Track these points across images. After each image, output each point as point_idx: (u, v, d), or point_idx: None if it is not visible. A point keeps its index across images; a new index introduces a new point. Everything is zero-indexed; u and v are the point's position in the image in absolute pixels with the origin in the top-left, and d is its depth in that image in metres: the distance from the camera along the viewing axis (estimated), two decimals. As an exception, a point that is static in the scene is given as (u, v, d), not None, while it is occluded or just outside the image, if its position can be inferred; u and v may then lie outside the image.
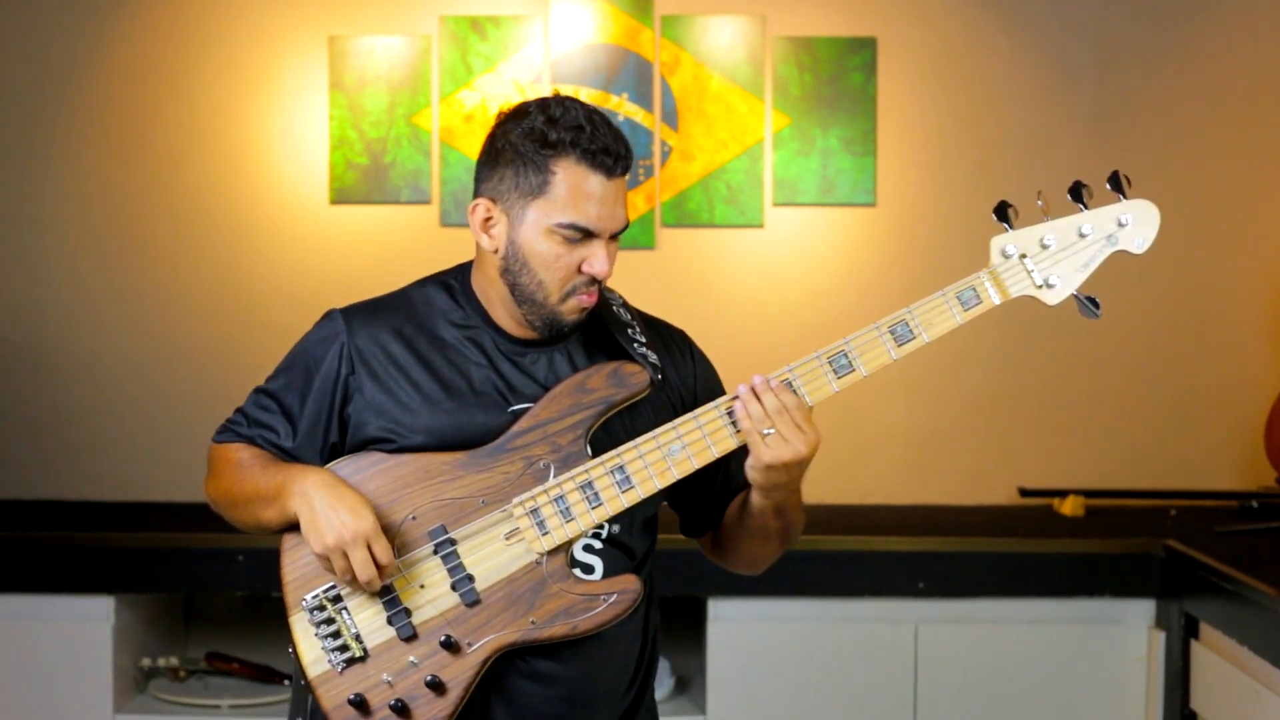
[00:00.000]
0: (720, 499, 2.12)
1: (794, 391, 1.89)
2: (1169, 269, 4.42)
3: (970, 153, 4.40)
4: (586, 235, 1.91)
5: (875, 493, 4.40)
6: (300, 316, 4.42)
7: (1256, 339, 4.43)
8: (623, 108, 4.36)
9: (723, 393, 2.09)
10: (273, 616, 4.25)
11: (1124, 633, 3.74)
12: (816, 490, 4.39)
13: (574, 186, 1.90)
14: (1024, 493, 4.36)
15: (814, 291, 4.38)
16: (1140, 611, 3.74)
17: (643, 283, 4.38)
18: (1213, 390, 4.44)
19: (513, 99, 4.27)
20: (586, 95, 4.34)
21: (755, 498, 1.95)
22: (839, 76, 4.38)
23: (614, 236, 1.95)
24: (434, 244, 4.32)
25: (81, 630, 3.78)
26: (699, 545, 2.22)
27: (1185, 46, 4.41)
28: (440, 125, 4.36)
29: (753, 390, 1.88)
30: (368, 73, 4.34)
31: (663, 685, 4.00)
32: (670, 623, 4.15)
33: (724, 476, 2.10)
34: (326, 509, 1.87)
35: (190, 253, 4.41)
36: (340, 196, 4.38)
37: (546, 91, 4.33)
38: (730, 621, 3.76)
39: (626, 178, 1.95)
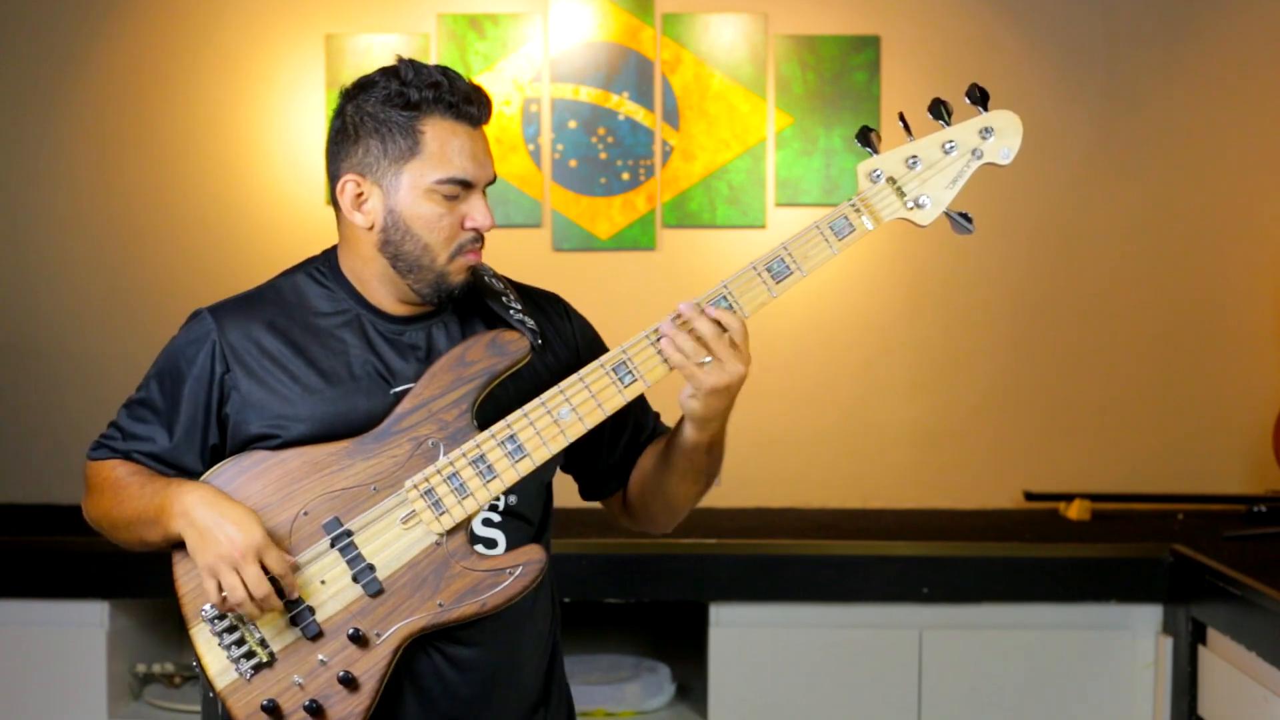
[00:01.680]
0: (626, 452, 2.10)
1: (717, 317, 1.87)
2: (1176, 271, 4.43)
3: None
4: (464, 188, 1.91)
5: (879, 497, 4.40)
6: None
7: (1264, 341, 4.43)
8: (623, 107, 4.36)
9: (605, 349, 2.08)
10: (269, 622, 4.27)
11: (1131, 638, 3.74)
12: (819, 494, 4.39)
13: (444, 141, 1.89)
14: (1029, 497, 4.36)
15: (815, 292, 4.38)
16: (1147, 617, 3.74)
17: (643, 284, 4.40)
18: (1220, 393, 4.44)
19: (511, 98, 4.32)
20: (586, 94, 4.35)
21: (691, 433, 1.92)
22: (842, 75, 4.38)
23: (485, 188, 1.95)
24: (432, 245, 4.32)
25: (75, 636, 3.78)
26: (604, 507, 2.17)
27: (1194, 45, 4.41)
28: (438, 125, 4.36)
29: (681, 321, 1.86)
30: (365, 71, 4.33)
31: (663, 692, 4.00)
32: (671, 628, 4.17)
33: (631, 428, 2.09)
34: (211, 526, 1.84)
35: (185, 253, 4.42)
36: (337, 197, 4.38)
37: (547, 91, 4.35)
38: (732, 627, 3.75)
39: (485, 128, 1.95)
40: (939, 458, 4.44)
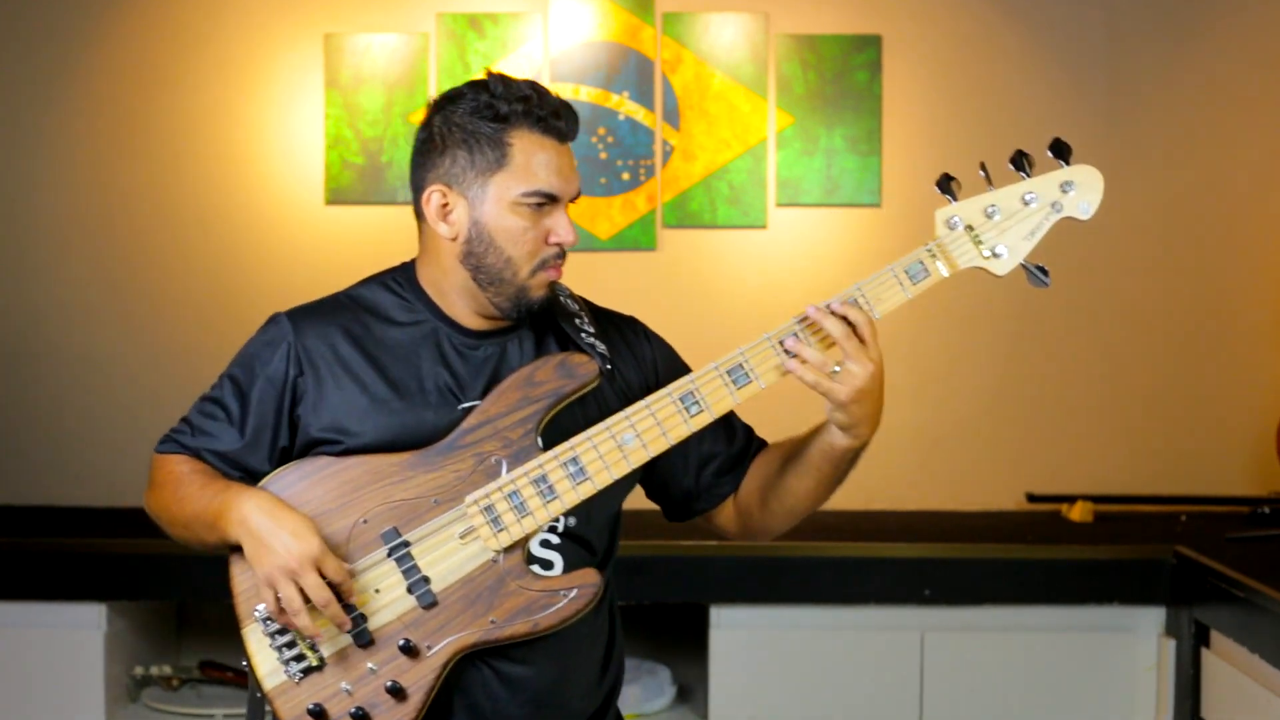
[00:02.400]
0: (710, 474, 2.10)
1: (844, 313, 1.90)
2: (1180, 271, 4.43)
3: (977, 153, 4.35)
4: (550, 202, 1.92)
5: (880, 498, 4.40)
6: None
7: (1268, 342, 4.43)
8: (623, 106, 4.37)
9: (685, 368, 2.10)
10: (267, 624, 4.27)
11: (1133, 641, 3.75)
12: (820, 495, 4.39)
13: (531, 154, 1.91)
14: (1032, 498, 4.36)
15: (818, 294, 4.32)
16: (1150, 619, 3.74)
17: (644, 285, 4.40)
18: (1223, 394, 4.45)
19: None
20: (586, 94, 4.35)
21: (841, 441, 1.93)
22: (843, 75, 4.38)
23: (569, 204, 1.97)
24: (431, 245, 4.32)
25: (73, 638, 3.78)
26: (708, 521, 2.16)
27: (1197, 45, 4.41)
28: (438, 124, 4.37)
29: (808, 323, 1.89)
30: (364, 71, 4.35)
31: (664, 694, 4.00)
32: (672, 630, 4.17)
33: (714, 451, 2.09)
34: (268, 535, 1.85)
35: (183, 254, 4.42)
36: (336, 197, 4.39)
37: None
38: (733, 629, 3.76)
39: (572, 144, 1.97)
40: (941, 459, 4.44)
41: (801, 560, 3.74)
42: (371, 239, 4.37)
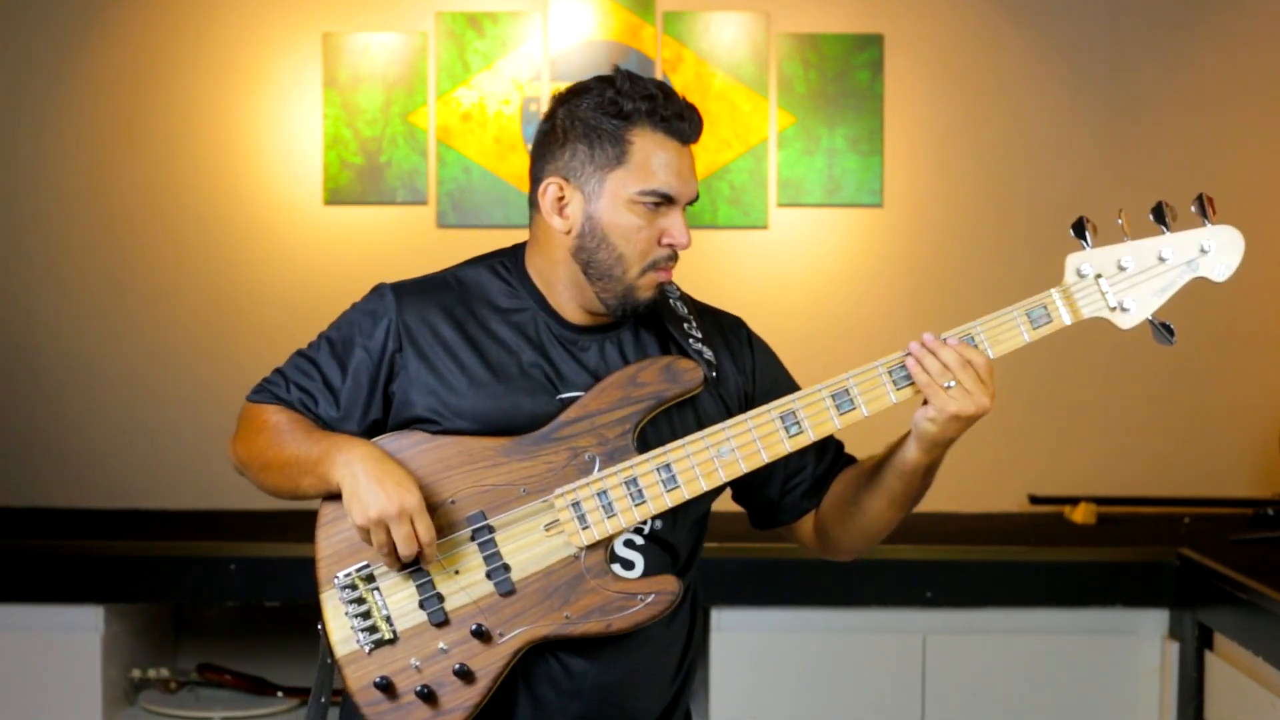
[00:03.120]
0: (795, 489, 2.11)
1: (961, 350, 1.93)
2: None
3: (980, 152, 4.41)
4: (666, 202, 1.94)
5: (882, 500, 4.39)
6: (294, 320, 4.46)
7: (1273, 343, 4.43)
8: (624, 106, 4.36)
9: (785, 376, 2.12)
10: (265, 627, 4.27)
11: (1136, 643, 3.74)
12: (822, 497, 4.39)
13: (652, 153, 1.93)
14: (1034, 500, 4.36)
15: (819, 294, 4.39)
16: (1153, 622, 3.74)
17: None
18: (1227, 396, 4.45)
19: (511, 97, 4.33)
20: (586, 93, 4.35)
21: (916, 455, 1.95)
22: (845, 74, 4.38)
23: (686, 207, 1.98)
24: (430, 245, 4.32)
25: (70, 641, 3.78)
26: (791, 533, 2.17)
27: (1201, 42, 4.42)
28: (437, 124, 4.37)
29: (926, 349, 1.92)
30: (362, 70, 4.35)
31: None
32: (672, 633, 4.17)
33: (804, 465, 2.10)
34: (372, 481, 1.86)
35: (181, 255, 4.42)
36: (334, 197, 4.39)
37: (545, 89, 4.35)
38: (734, 631, 3.76)
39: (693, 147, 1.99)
40: (943, 460, 4.43)
41: (802, 562, 3.73)
42: (370, 239, 4.38)
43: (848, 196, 4.39)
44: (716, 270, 4.41)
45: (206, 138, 4.41)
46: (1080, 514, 4.23)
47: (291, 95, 4.40)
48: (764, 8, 4.38)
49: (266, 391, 2.06)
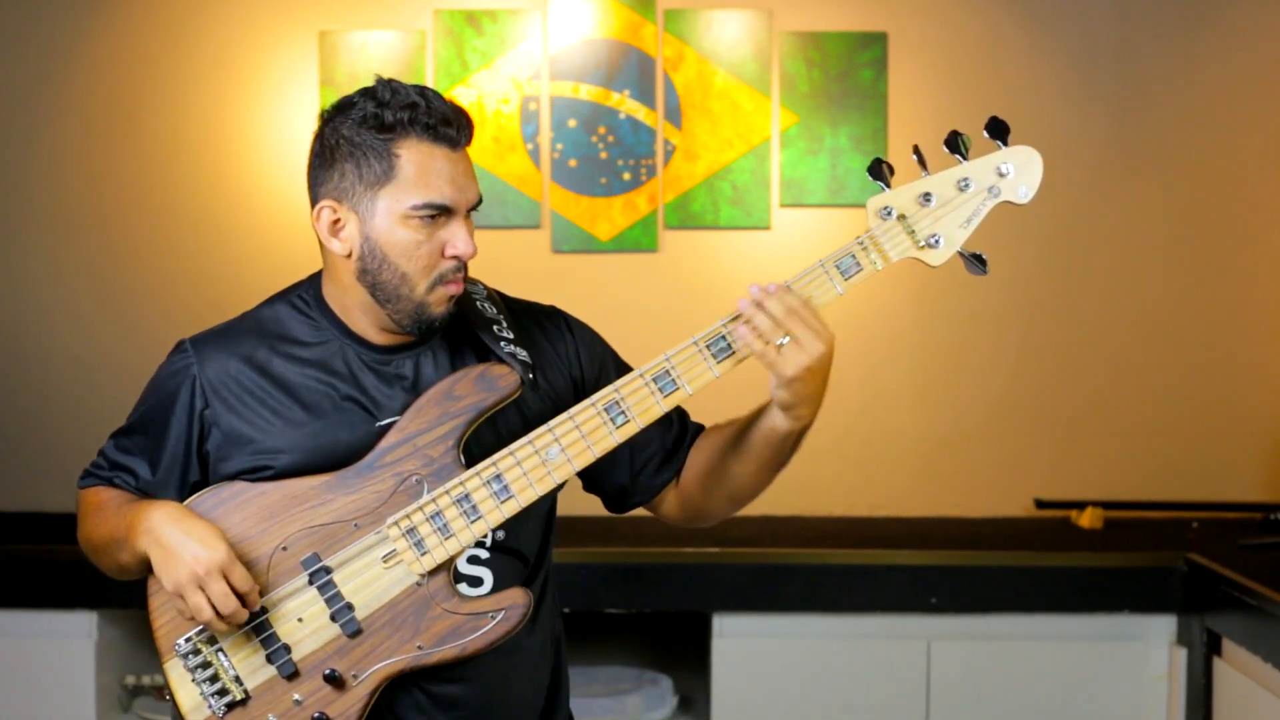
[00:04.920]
0: (645, 469, 2.06)
1: (784, 298, 1.84)
2: (1190, 275, 4.43)
3: (983, 152, 4.40)
4: (443, 213, 1.87)
5: (886, 505, 4.40)
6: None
7: (1281, 345, 4.43)
8: (624, 105, 4.37)
9: (612, 355, 2.08)
10: (261, 632, 4.27)
11: (1144, 650, 3.75)
12: (825, 502, 4.39)
13: (421, 165, 1.86)
14: (1040, 504, 4.36)
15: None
16: (1161, 628, 3.74)
17: (645, 287, 4.40)
18: (1235, 399, 4.44)
19: (510, 96, 4.33)
20: (586, 92, 4.36)
21: (782, 423, 1.89)
22: (848, 73, 4.38)
23: (468, 214, 1.92)
24: (428, 246, 4.32)
25: (63, 647, 3.79)
26: (651, 508, 2.12)
27: (1208, 43, 4.42)
28: (435, 123, 4.37)
29: (754, 303, 1.84)
30: (360, 69, 4.35)
31: (665, 705, 4.00)
32: (673, 639, 4.17)
33: (650, 445, 2.05)
34: (175, 545, 1.84)
35: (177, 256, 4.42)
36: (331, 197, 4.38)
37: (546, 89, 4.36)
38: (736, 638, 3.76)
39: (467, 150, 1.92)
40: (947, 465, 4.44)
41: (805, 568, 3.74)
42: (367, 240, 4.37)
43: (851, 197, 4.39)
44: (718, 272, 4.41)
45: (202, 137, 4.41)
46: (1087, 519, 4.23)
47: (288, 94, 4.40)
48: (766, 5, 4.38)
49: (90, 476, 2.07)
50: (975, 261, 1.91)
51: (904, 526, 4.25)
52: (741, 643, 3.76)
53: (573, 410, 1.87)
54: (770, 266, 4.40)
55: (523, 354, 1.95)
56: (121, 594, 3.80)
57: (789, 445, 1.93)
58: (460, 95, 4.35)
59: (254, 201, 4.42)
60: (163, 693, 4.03)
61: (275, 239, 4.40)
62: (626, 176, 4.38)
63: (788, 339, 1.82)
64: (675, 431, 2.07)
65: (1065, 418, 4.46)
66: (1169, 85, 4.42)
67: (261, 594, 1.87)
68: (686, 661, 4.09)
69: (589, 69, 4.37)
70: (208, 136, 4.41)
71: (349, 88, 4.32)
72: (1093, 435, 4.45)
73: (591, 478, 2.07)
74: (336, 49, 4.37)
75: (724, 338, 1.86)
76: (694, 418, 2.11)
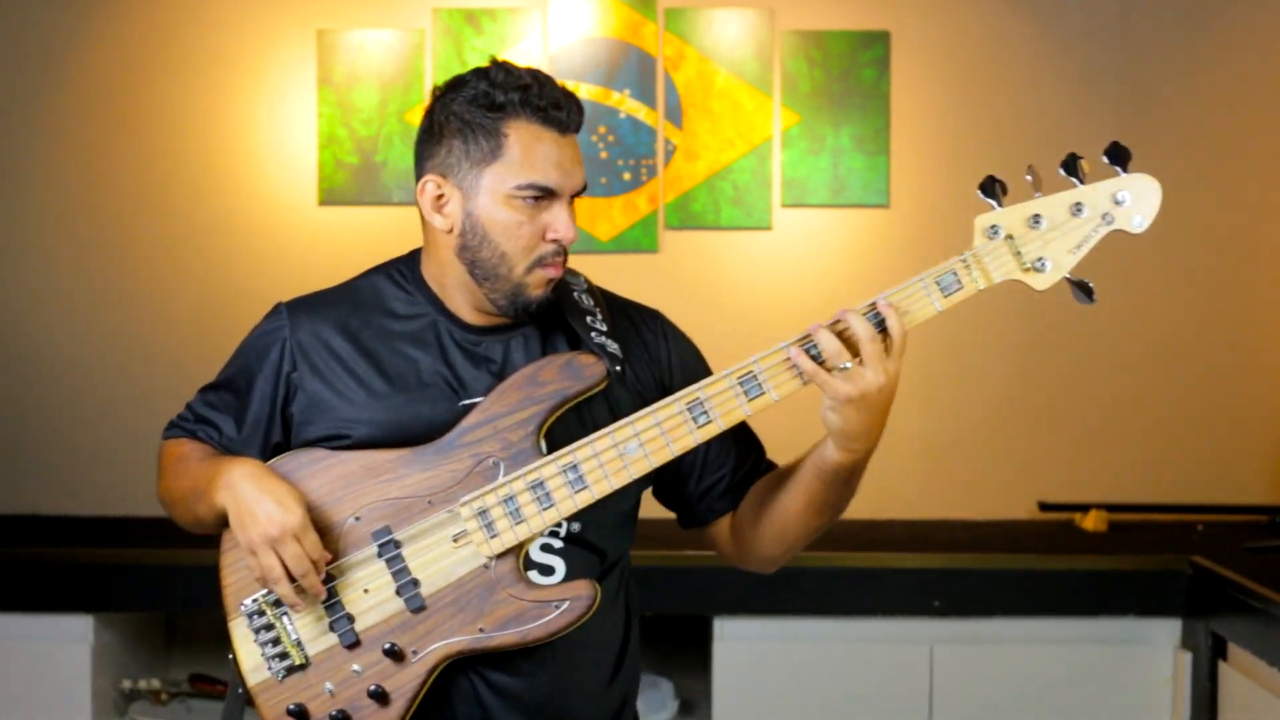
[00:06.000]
0: (722, 483, 2.06)
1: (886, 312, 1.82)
2: (1195, 276, 4.43)
3: (987, 152, 4.41)
4: (547, 195, 1.91)
5: (888, 507, 4.40)
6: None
7: (1287, 346, 4.43)
8: (624, 104, 4.37)
9: (706, 370, 2.07)
10: (258, 636, 4.27)
11: (1149, 653, 3.75)
12: (827, 504, 4.39)
13: (528, 146, 1.89)
14: (1044, 507, 4.36)
15: (824, 296, 4.39)
16: (1165, 631, 3.74)
17: (645, 287, 4.36)
18: (1240, 401, 4.45)
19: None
20: (586, 91, 4.36)
21: (831, 454, 1.86)
22: (850, 72, 4.39)
23: (573, 199, 1.95)
24: (427, 247, 4.32)
25: (59, 651, 3.79)
26: (708, 540, 2.13)
27: (1213, 41, 4.42)
28: (434, 123, 4.37)
29: (812, 330, 1.81)
30: (358, 68, 4.36)
31: (666, 709, 4.00)
32: (674, 642, 4.17)
33: (733, 457, 2.05)
34: (252, 502, 1.86)
35: (173, 256, 4.42)
36: (329, 197, 4.39)
37: (545, 88, 4.36)
38: (737, 641, 3.76)
39: (576, 136, 1.94)
40: (950, 467, 4.45)
41: (807, 571, 3.73)
42: (366, 240, 4.38)
43: (853, 197, 4.39)
44: (719, 272, 4.41)
45: (198, 137, 4.42)
46: (1091, 521, 4.23)
47: (285, 94, 4.40)
48: (768, 4, 4.38)
49: (175, 428, 2.09)
50: (1082, 290, 1.87)
51: (906, 529, 4.25)
52: (742, 646, 3.76)
53: (655, 406, 1.87)
54: (771, 267, 4.40)
55: (613, 347, 1.97)
56: (118, 597, 3.83)
57: (840, 481, 1.90)
58: (459, 95, 4.36)
59: (251, 201, 4.42)
60: (159, 696, 4.03)
61: (273, 239, 4.40)
62: (627, 176, 4.38)
63: (849, 364, 1.80)
64: (749, 465, 2.07)
65: (1069, 420, 4.46)
66: (1172, 84, 4.42)
67: (330, 561, 1.89)
68: (687, 665, 4.09)
69: (589, 68, 4.38)
70: (205, 136, 4.42)
71: (347, 87, 4.36)
72: (1097, 437, 4.46)
73: (665, 488, 2.08)
74: (334, 48, 4.37)
75: (816, 345, 1.83)
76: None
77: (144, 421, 4.41)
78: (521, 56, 4.36)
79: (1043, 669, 3.75)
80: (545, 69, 4.32)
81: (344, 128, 4.36)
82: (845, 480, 1.90)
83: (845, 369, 1.79)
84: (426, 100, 1.98)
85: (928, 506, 4.42)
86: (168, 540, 3.98)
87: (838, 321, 1.82)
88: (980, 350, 4.45)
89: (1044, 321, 4.43)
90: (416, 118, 4.42)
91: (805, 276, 4.40)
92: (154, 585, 3.80)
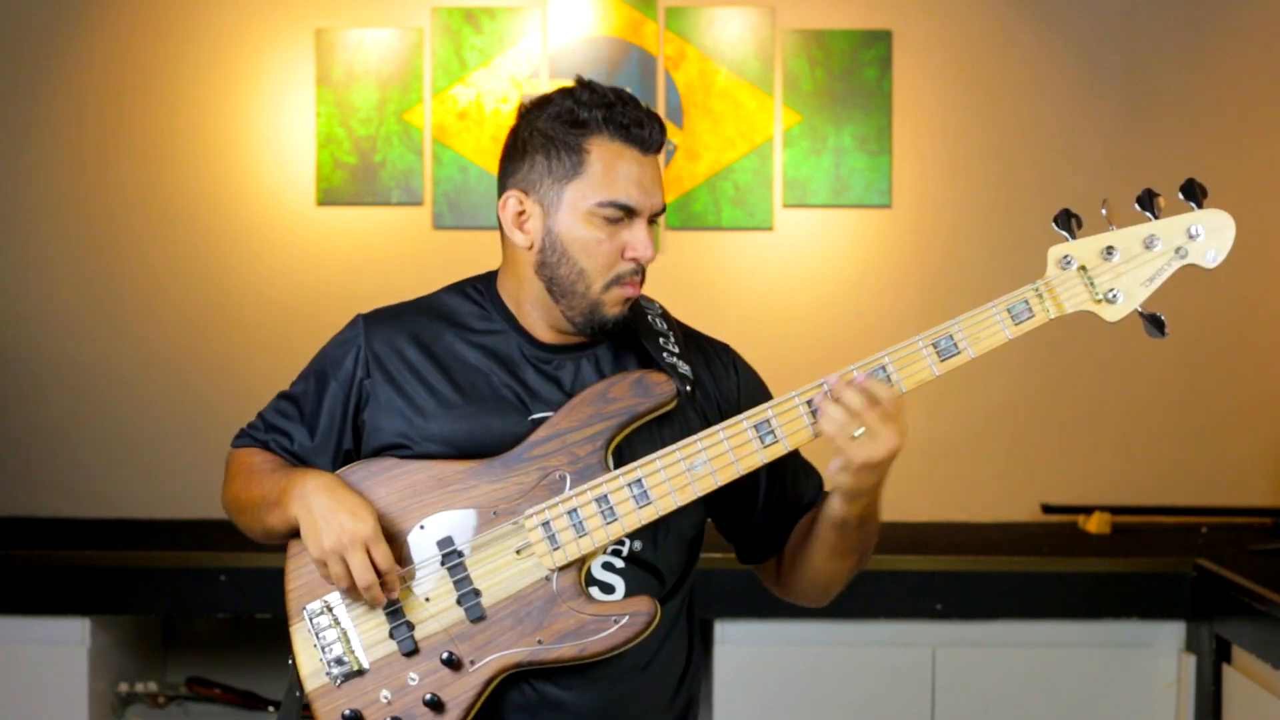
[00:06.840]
0: (783, 517, 2.10)
1: (866, 388, 1.88)
2: (1197, 277, 4.41)
3: (990, 151, 4.41)
4: (627, 214, 1.93)
5: (891, 509, 4.34)
6: (287, 323, 4.48)
7: (1292, 347, 4.44)
8: (625, 104, 4.37)
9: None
10: (257, 640, 4.27)
11: (1152, 656, 3.75)
12: (829, 506, 4.39)
13: (610, 163, 1.92)
14: (1047, 509, 4.36)
15: (826, 297, 4.39)
16: (1169, 634, 3.74)
17: (646, 288, 4.39)
18: (1245, 403, 4.45)
19: (509, 95, 4.34)
20: (587, 91, 4.36)
21: (839, 506, 1.93)
22: (852, 71, 4.39)
23: (652, 220, 1.97)
24: (426, 247, 4.32)
25: (56, 654, 3.79)
26: (761, 575, 2.19)
27: (1217, 39, 4.42)
28: (433, 123, 4.38)
29: (831, 393, 1.87)
30: (356, 67, 4.36)
31: (667, 712, 4.00)
32: (675, 646, 4.17)
33: (789, 491, 2.09)
34: (326, 512, 1.89)
35: (170, 257, 4.42)
36: (328, 197, 4.39)
37: (545, 87, 4.36)
38: (738, 644, 3.76)
39: (661, 157, 1.97)
40: (953, 469, 4.45)
41: (809, 573, 3.73)
42: (364, 241, 4.38)
43: (855, 197, 4.40)
44: (720, 273, 4.41)
45: (196, 137, 4.42)
46: (1094, 524, 4.23)
47: (283, 93, 4.40)
48: (769, 3, 4.39)
49: (246, 436, 2.13)
50: (1153, 323, 1.93)
51: (909, 531, 4.25)
52: (744, 649, 3.76)
53: (724, 424, 1.91)
54: (773, 268, 4.40)
55: (684, 368, 2.00)
56: (115, 600, 3.83)
57: (851, 532, 1.97)
58: (458, 94, 4.36)
59: (249, 201, 4.42)
60: (157, 699, 4.03)
61: (271, 238, 4.40)
62: (627, 176, 4.38)
63: (863, 431, 1.86)
64: (805, 505, 2.11)
65: (1072, 422, 4.46)
66: (1175, 83, 4.42)
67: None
68: (688, 668, 4.09)
69: (589, 67, 4.38)
70: (202, 136, 4.42)
71: (345, 86, 4.36)
72: (1100, 439, 4.46)
73: (726, 516, 2.11)
74: (333, 47, 4.37)
75: (884, 368, 1.92)
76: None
77: (141, 423, 4.43)
78: (521, 56, 4.37)
79: (1046, 672, 3.76)
80: (544, 69, 4.36)
81: (342, 127, 4.36)
82: (857, 527, 1.97)
83: (858, 435, 1.85)
84: (511, 118, 2.00)
85: (930, 509, 4.42)
86: (166, 542, 4.00)
87: (833, 392, 1.88)
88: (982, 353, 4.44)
89: (1046, 325, 4.42)
90: (415, 117, 4.47)
91: (807, 277, 4.40)
92: (152, 588, 3.79)
